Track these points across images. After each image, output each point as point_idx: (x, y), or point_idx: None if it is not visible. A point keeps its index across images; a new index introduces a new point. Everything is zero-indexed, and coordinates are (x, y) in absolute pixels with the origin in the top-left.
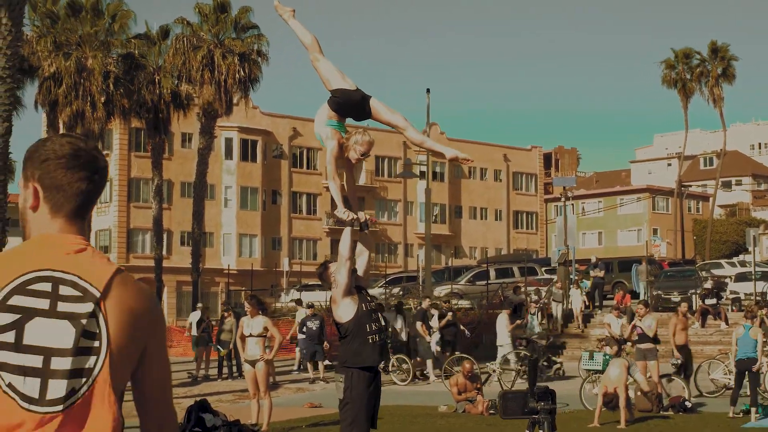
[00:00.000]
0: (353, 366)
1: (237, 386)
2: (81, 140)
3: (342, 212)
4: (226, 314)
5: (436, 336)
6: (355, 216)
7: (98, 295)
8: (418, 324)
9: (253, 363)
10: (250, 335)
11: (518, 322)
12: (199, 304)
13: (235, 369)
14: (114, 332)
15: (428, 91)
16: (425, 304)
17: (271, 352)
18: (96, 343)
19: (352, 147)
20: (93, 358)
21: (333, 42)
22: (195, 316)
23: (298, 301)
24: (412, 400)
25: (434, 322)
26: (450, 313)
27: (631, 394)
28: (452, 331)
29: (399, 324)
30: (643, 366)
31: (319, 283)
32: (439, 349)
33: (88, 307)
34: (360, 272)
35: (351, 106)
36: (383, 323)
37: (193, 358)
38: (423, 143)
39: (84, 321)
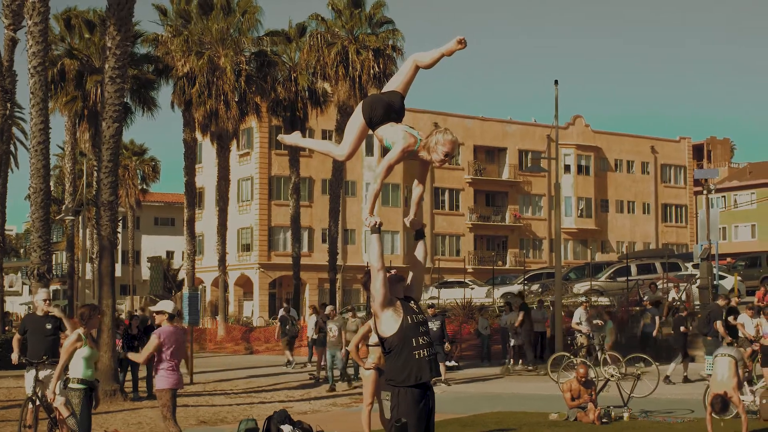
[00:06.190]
0: (400, 384)
1: (355, 390)
2: None
3: (365, 219)
4: (351, 314)
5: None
6: (379, 221)
7: None
8: (719, 323)
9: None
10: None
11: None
12: (310, 306)
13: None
14: None
15: (556, 82)
16: (721, 302)
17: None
18: None
19: (434, 148)
20: None
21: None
22: (312, 320)
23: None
24: (528, 406)
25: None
26: None
27: (749, 399)
28: None
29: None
30: None
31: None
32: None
33: None
34: (408, 281)
35: (392, 105)
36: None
37: (307, 359)
38: (439, 56)
39: None
